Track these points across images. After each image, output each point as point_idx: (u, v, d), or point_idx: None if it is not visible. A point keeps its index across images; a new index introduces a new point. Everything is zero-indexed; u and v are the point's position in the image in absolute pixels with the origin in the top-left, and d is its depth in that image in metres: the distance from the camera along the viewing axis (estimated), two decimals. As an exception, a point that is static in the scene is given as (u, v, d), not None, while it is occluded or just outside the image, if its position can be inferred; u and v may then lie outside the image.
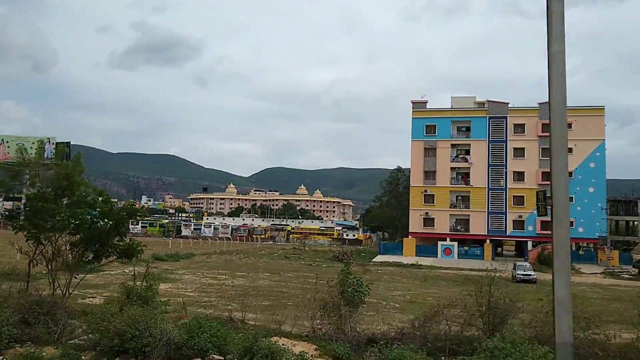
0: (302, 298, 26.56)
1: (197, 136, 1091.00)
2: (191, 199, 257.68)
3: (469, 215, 65.13)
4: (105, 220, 18.08)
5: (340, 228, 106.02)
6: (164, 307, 18.75)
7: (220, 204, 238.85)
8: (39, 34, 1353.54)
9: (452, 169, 66.39)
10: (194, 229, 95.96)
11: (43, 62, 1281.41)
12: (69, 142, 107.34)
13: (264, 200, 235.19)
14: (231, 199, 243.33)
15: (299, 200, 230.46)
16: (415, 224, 66.17)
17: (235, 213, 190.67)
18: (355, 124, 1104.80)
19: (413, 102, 67.93)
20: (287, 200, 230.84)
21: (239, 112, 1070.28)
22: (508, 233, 64.59)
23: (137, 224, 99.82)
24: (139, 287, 18.08)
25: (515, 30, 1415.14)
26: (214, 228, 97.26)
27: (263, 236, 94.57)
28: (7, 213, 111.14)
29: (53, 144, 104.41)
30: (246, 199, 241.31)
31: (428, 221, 65.50)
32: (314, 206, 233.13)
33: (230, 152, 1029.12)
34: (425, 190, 65.88)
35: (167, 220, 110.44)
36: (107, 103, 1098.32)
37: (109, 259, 18.34)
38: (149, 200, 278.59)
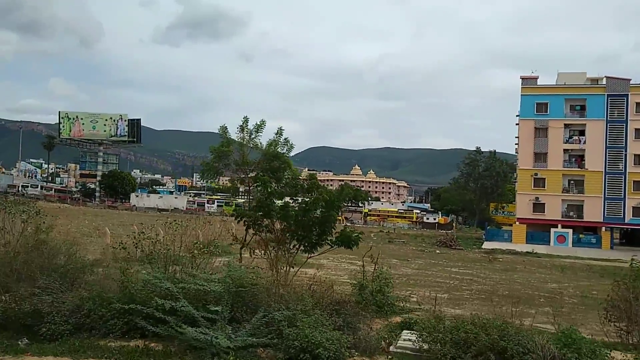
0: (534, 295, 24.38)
1: (241, 114, 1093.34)
2: (244, 177, 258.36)
3: (583, 200, 61.68)
4: (328, 205, 16.25)
5: (419, 211, 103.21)
6: (403, 304, 16.82)
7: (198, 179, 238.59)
8: (84, 8, 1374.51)
9: (565, 150, 62.87)
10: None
11: (89, 37, 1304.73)
12: (139, 120, 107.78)
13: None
14: (286, 178, 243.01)
15: (353, 181, 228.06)
16: (523, 209, 63.12)
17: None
18: (401, 102, 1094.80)
19: (522, 78, 64.43)
20: (343, 180, 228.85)
21: (282, 89, 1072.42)
22: (626, 220, 60.83)
23: (213, 204, 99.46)
24: (372, 282, 16.24)
25: (575, 1, 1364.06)
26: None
27: (339, 217, 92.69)
28: (81, 189, 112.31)
29: (125, 120, 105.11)
30: (300, 179, 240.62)
31: (538, 206, 62.35)
32: (369, 187, 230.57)
33: (273, 130, 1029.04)
34: (536, 174, 62.62)
35: (242, 200, 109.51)
36: (151, 79, 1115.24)
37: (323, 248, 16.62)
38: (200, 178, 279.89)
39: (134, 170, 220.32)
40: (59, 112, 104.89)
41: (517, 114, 69.39)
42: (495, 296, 24.34)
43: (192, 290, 11.21)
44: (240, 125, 18.45)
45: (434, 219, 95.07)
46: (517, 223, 63.14)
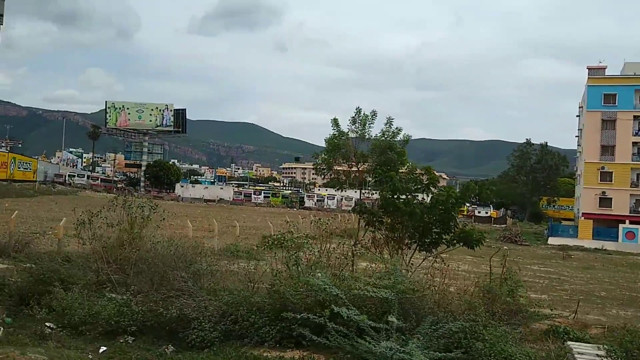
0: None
1: (276, 104, 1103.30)
2: (283, 168, 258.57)
3: (653, 195, 59.36)
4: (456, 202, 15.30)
5: (469, 204, 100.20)
6: (534, 309, 15.55)
7: (313, 174, 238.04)
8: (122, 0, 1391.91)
9: (634, 143, 60.34)
10: (317, 200, 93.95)
11: (127, 28, 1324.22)
12: (184, 110, 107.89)
13: (356, 172, 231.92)
14: (323, 169, 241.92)
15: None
16: (589, 204, 60.89)
17: (331, 184, 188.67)
18: (438, 92, 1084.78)
19: (589, 68, 62.13)
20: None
21: (317, 80, 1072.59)
22: (699, 216, 58.37)
23: (260, 194, 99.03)
24: (500, 286, 14.94)
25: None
26: (337, 200, 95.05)
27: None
28: (125, 178, 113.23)
29: (171, 110, 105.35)
30: (339, 169, 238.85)
31: (604, 201, 60.12)
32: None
33: (307, 121, 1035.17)
34: (602, 167, 60.32)
35: (289, 191, 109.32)
36: (186, 70, 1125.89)
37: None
38: (238, 169, 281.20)
39: (172, 160, 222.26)
40: (106, 101, 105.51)
41: (580, 105, 67.13)
42: (595, 297, 23.17)
43: (349, 296, 10.25)
44: (352, 117, 17.47)
45: (486, 213, 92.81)
46: (582, 218, 60.97)
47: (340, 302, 9.66)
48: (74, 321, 10.50)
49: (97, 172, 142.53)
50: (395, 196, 14.96)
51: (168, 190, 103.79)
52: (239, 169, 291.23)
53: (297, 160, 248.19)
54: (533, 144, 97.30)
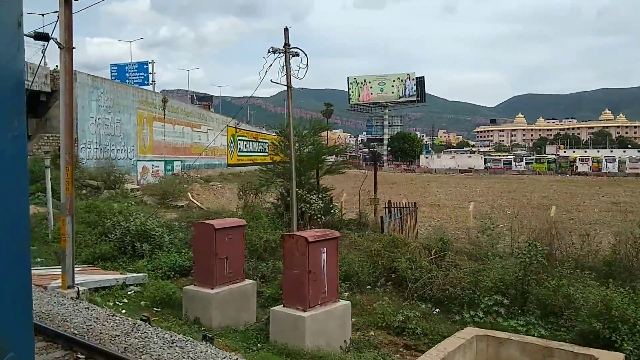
0: None
1: (440, 69, 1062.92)
2: (477, 132, 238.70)
3: None
4: None
5: None
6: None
7: (512, 135, 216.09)
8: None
9: None
10: (592, 164, 76.98)
11: (300, 11, 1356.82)
12: (423, 77, 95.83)
13: (560, 129, 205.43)
14: (523, 129, 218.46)
15: (606, 127, 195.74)
16: None
17: (539, 145, 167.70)
18: (622, 36, 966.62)
19: None
20: (592, 127, 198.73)
21: (484, 38, 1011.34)
22: None
23: (522, 161, 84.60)
24: None
25: None
26: (618, 162, 77.29)
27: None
28: (367, 156, 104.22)
29: (413, 79, 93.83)
30: (539, 129, 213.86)
31: None
32: (626, 132, 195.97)
33: (474, 82, 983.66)
34: None
35: (554, 155, 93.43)
36: (355, 44, 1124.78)
37: None
38: (423, 136, 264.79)
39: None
40: (347, 77, 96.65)
41: None
42: None
43: None
44: None
45: None
46: None
47: None
48: None
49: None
50: None
51: (412, 162, 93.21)
52: (423, 136, 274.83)
53: (493, 122, 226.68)
54: None
